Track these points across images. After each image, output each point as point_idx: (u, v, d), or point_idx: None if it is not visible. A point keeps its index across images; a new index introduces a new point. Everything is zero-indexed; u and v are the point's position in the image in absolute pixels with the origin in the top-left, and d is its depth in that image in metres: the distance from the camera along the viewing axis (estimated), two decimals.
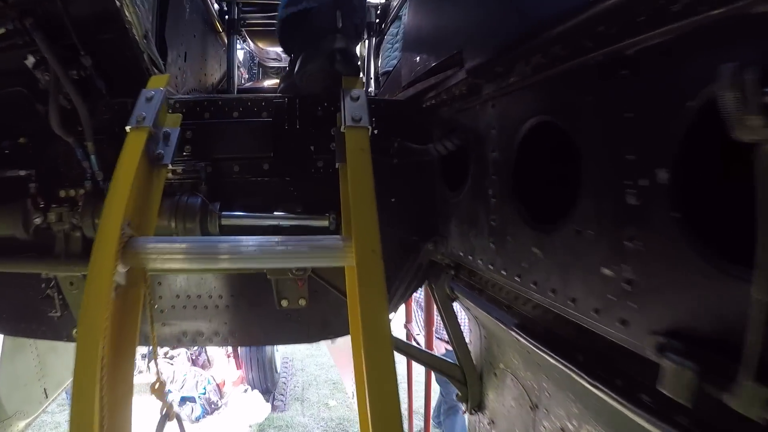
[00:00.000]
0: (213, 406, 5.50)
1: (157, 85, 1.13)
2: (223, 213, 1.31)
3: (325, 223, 1.32)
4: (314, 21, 1.31)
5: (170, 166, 1.14)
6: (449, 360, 1.73)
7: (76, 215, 1.36)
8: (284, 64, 3.21)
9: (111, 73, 1.25)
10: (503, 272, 1.01)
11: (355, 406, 0.93)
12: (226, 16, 2.22)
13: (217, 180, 1.36)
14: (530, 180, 0.94)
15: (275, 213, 1.34)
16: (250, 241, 0.89)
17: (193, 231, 1.28)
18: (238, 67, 2.71)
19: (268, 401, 5.60)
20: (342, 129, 1.05)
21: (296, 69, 1.31)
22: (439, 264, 1.46)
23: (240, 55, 2.83)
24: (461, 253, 1.26)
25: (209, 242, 0.90)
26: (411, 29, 1.40)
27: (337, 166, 1.15)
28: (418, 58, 1.30)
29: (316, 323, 1.46)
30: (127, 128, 1.04)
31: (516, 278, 0.96)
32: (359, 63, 1.38)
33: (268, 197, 1.40)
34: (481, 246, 1.10)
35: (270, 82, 2.52)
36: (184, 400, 5.36)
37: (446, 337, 2.31)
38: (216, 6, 2.16)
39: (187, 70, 1.79)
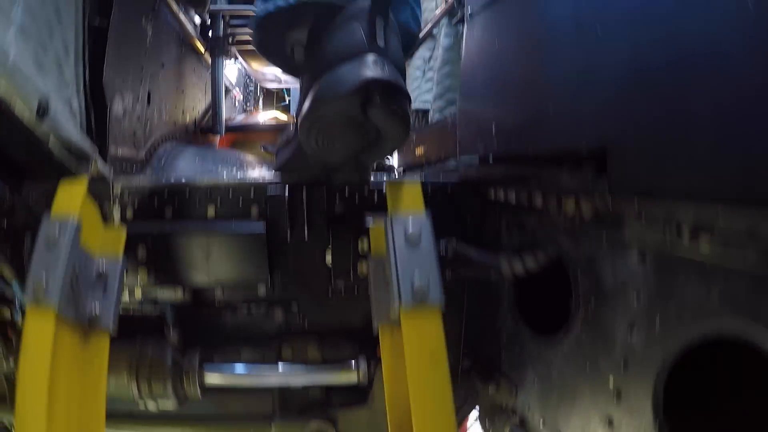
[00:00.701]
0: None
1: (68, 203, 0.67)
2: (205, 366, 0.88)
3: (353, 377, 0.88)
4: (326, 26, 0.75)
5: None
6: None
7: (13, 354, 0.98)
8: (286, 85, 2.64)
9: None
10: None
11: None
12: (210, 32, 1.72)
13: (191, 310, 0.92)
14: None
15: (280, 367, 0.90)
16: None
17: (164, 397, 0.87)
18: (228, 89, 2.23)
19: None
20: (392, 313, 0.58)
21: (302, 114, 0.76)
22: (499, 406, 1.02)
23: (233, 72, 2.34)
24: (540, 424, 0.81)
25: None
26: (476, 67, 0.92)
27: (375, 326, 0.71)
28: (492, 124, 0.83)
29: None
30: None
31: None
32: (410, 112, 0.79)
33: (267, 330, 0.96)
34: None
35: (269, 117, 2.02)
36: None
37: None
38: (197, 19, 1.67)
39: (154, 115, 1.32)
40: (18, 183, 0.90)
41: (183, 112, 1.58)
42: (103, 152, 0.94)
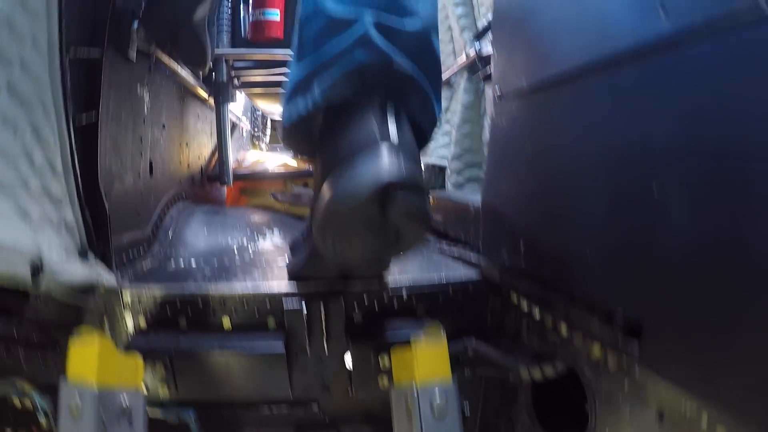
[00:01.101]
0: None
1: (83, 367, 0.65)
2: None
3: None
4: (339, 117, 0.74)
5: None
6: None
7: None
8: None
9: None
10: None
11: None
12: (213, 75, 1.65)
13: (214, 414, 0.92)
14: None
15: None
16: None
17: None
18: (235, 124, 2.17)
19: None
20: None
21: (316, 218, 0.71)
22: None
23: (240, 101, 2.25)
24: None
25: None
26: (502, 161, 0.86)
27: None
28: (519, 240, 0.79)
29: None
30: None
31: None
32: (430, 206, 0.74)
33: (288, 424, 0.97)
34: None
35: (278, 163, 1.95)
36: None
37: None
38: None
39: (158, 184, 1.29)
40: (21, 299, 0.88)
41: (188, 166, 1.54)
42: (107, 255, 0.90)
